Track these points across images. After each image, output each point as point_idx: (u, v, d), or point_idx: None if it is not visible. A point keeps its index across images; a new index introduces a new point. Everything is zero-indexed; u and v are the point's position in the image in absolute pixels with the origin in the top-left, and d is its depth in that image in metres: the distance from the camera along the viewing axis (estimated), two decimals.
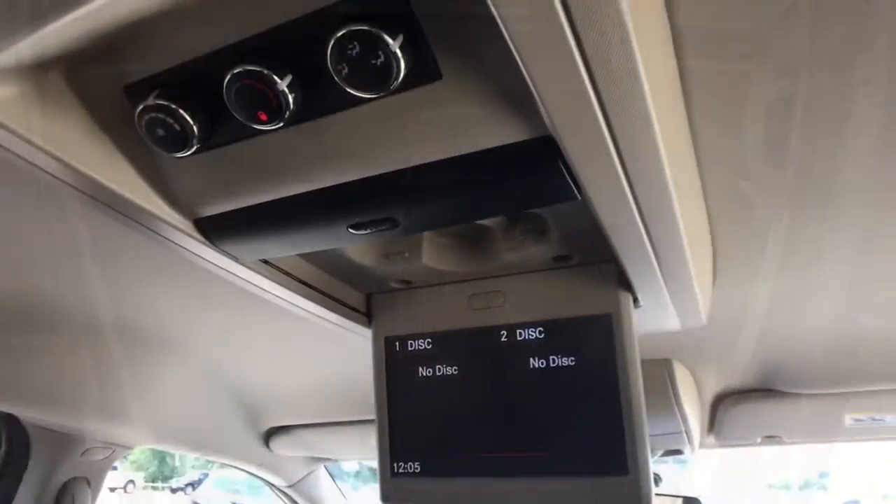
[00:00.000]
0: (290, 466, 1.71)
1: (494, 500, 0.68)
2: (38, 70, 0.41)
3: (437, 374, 0.72)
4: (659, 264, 0.57)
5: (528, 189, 0.45)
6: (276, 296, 0.68)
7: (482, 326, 0.71)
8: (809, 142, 0.51)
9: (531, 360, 0.68)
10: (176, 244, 0.56)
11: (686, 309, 0.71)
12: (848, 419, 1.21)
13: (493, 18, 0.30)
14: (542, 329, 0.68)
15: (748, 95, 0.46)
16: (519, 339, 0.69)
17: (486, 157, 0.42)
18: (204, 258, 0.59)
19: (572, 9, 0.29)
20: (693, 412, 1.20)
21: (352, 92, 0.36)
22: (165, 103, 0.40)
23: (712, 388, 1.22)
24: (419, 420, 0.72)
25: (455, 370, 0.71)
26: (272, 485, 1.78)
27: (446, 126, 0.40)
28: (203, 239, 0.55)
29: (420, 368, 0.73)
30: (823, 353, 1.05)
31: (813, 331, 0.96)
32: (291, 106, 0.38)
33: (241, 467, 1.62)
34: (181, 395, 1.23)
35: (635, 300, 0.67)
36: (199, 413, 1.32)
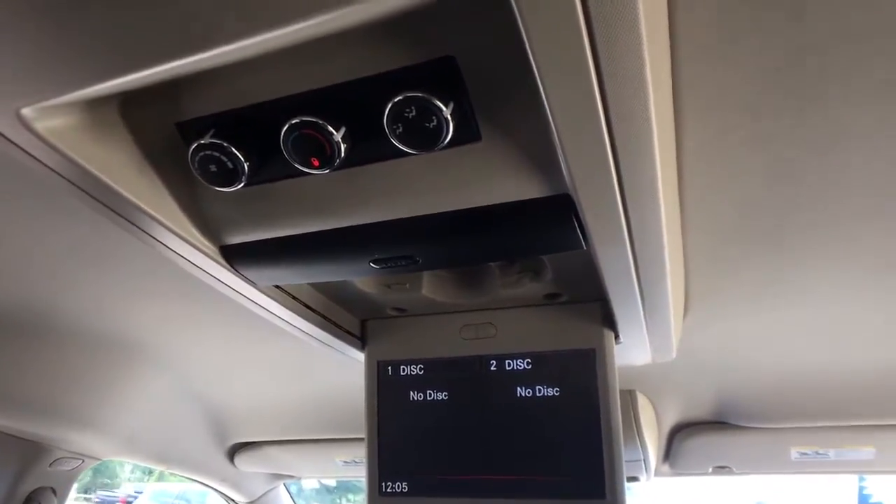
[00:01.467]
0: (251, 483, 1.71)
1: None
2: (97, 103, 0.44)
3: (428, 398, 0.76)
4: (643, 305, 0.63)
5: (541, 239, 0.50)
6: (277, 316, 0.71)
7: (473, 355, 0.75)
8: (780, 196, 0.57)
9: (518, 388, 0.73)
10: (196, 266, 0.59)
11: (660, 345, 0.77)
12: (794, 453, 1.29)
13: (533, 89, 0.35)
14: (529, 360, 0.73)
15: (732, 152, 0.52)
16: (507, 368, 0.74)
17: (509, 209, 0.47)
18: (221, 280, 0.62)
19: (608, 94, 0.35)
20: (651, 441, 1.27)
21: (401, 148, 0.41)
22: (221, 143, 0.44)
23: (671, 419, 1.29)
24: (408, 442, 0.76)
25: (445, 395, 0.76)
26: (231, 500, 1.77)
27: (477, 180, 0.45)
28: (226, 264, 0.58)
29: (411, 392, 0.77)
30: (774, 390, 1.12)
31: (767, 368, 1.03)
32: (342, 155, 0.42)
33: (203, 482, 1.61)
34: (153, 408, 1.23)
35: (616, 336, 0.72)
36: (169, 426, 1.32)
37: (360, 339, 0.81)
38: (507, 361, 0.74)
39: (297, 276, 0.60)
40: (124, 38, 0.35)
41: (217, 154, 0.44)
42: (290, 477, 1.78)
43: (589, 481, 0.69)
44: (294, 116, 0.41)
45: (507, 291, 0.71)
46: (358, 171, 0.47)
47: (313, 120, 0.41)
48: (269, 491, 1.78)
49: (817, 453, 1.28)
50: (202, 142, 0.44)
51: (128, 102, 0.46)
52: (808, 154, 0.51)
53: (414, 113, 0.39)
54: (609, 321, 0.71)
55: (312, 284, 0.73)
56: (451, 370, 0.76)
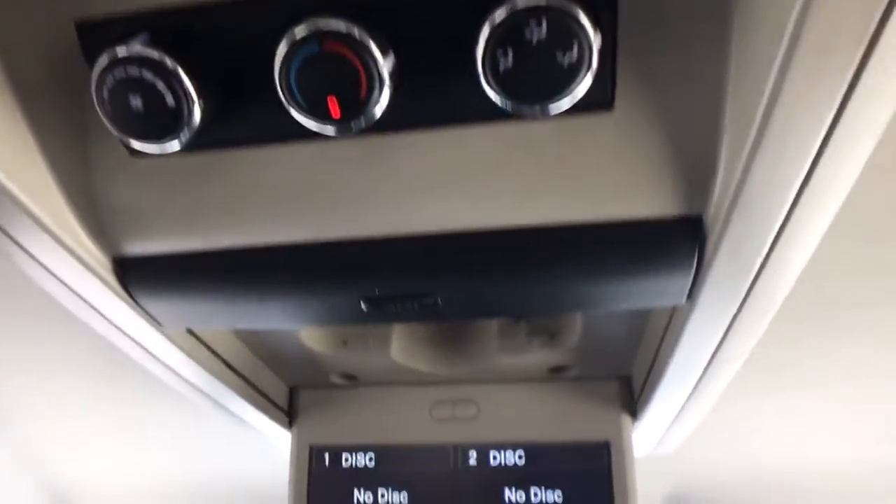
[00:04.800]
0: None
1: None
2: None
3: (380, 500, 0.56)
4: (694, 389, 0.48)
5: (636, 282, 0.33)
6: (175, 372, 0.49)
7: (446, 443, 0.56)
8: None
9: (507, 491, 0.54)
10: (64, 284, 0.37)
11: (672, 437, 0.62)
12: None
13: (717, 41, 0.22)
14: (522, 453, 0.55)
15: None
16: (493, 463, 0.55)
17: (607, 231, 0.30)
18: (102, 314, 0.40)
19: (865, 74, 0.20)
20: None
21: (495, 100, 0.24)
22: (161, 58, 0.24)
23: None
24: None
25: (404, 497, 0.55)
26: None
27: (575, 178, 0.29)
28: (119, 288, 0.37)
29: (356, 491, 0.56)
30: (725, 492, 1.02)
31: (734, 463, 0.93)
32: (386, 100, 0.24)
33: None
34: None
35: (635, 428, 0.56)
36: None
37: (286, 413, 0.60)
38: (492, 454, 0.56)
39: (236, 317, 0.39)
40: None
41: (149, 78, 0.25)
42: None
43: None
44: (306, 21, 0.23)
45: (507, 360, 0.53)
46: (386, 142, 0.29)
47: (345, 31, 0.23)
48: None
49: None
50: (124, 54, 0.24)
51: None
52: None
53: (543, 34, 0.22)
54: (629, 405, 0.55)
55: (238, 335, 0.52)
56: (415, 462, 0.56)
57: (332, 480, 0.57)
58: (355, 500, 0.56)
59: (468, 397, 0.57)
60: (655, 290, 0.34)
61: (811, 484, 0.94)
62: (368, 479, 0.56)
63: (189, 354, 0.45)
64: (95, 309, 0.39)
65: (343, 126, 0.25)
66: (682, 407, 0.52)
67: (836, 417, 0.74)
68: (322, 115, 0.25)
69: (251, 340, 0.53)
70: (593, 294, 0.35)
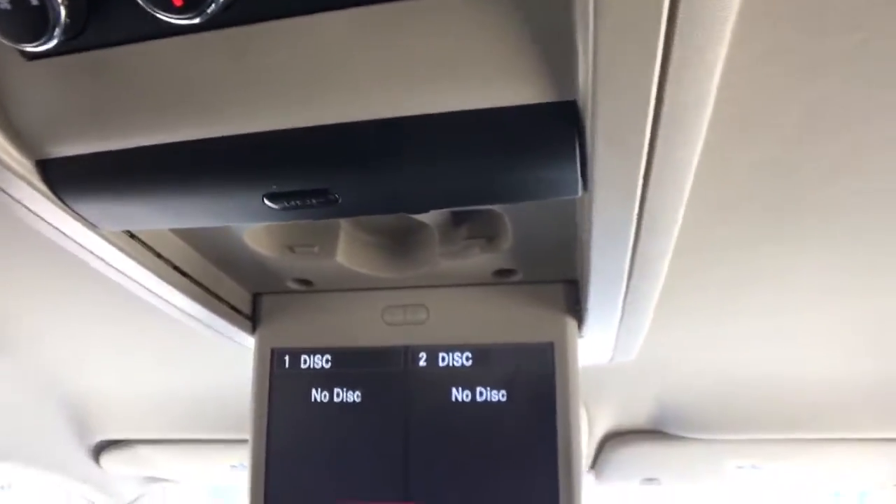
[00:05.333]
0: (121, 485, 1.46)
1: None
2: None
3: (335, 399, 0.58)
4: (627, 291, 0.48)
5: (526, 168, 0.33)
6: (137, 282, 0.52)
7: (397, 346, 0.58)
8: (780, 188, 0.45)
9: (454, 390, 0.56)
10: (7, 194, 0.39)
11: (627, 343, 0.63)
12: (730, 465, 1.20)
13: None
14: (470, 355, 0.57)
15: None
16: (441, 364, 0.57)
17: (485, 118, 0.30)
18: (45, 219, 0.42)
19: None
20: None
21: None
22: None
23: (603, 426, 1.17)
24: (306, 456, 0.58)
25: (358, 396, 0.58)
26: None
27: (447, 65, 0.28)
28: (47, 190, 0.39)
29: (313, 391, 0.59)
30: (720, 399, 1.03)
31: (715, 376, 0.93)
32: None
33: (61, 482, 1.36)
34: None
35: (579, 328, 0.57)
36: (8, 416, 1.07)
37: (250, 319, 0.62)
38: (440, 355, 0.57)
39: (153, 217, 0.41)
40: None
41: None
42: (167, 480, 1.55)
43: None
44: None
45: (449, 263, 0.54)
46: (249, 33, 0.29)
47: None
48: (141, 496, 1.54)
49: (754, 467, 1.20)
50: None
51: None
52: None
53: None
54: (574, 309, 0.56)
55: (188, 241, 0.54)
56: (368, 364, 0.59)
57: (292, 381, 0.60)
58: (313, 399, 0.59)
59: (418, 302, 0.59)
60: (547, 182, 0.34)
61: (793, 399, 0.95)
62: (325, 380, 0.59)
63: (138, 261, 0.47)
64: (32, 212, 0.41)
65: (189, 14, 0.25)
66: (623, 309, 0.52)
67: (816, 334, 0.74)
68: (166, 5, 0.25)
69: (206, 250, 0.55)
70: (484, 185, 0.35)
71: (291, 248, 0.54)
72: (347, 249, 0.53)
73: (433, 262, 0.54)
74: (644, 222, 0.38)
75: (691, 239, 0.50)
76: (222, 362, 0.69)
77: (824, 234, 0.50)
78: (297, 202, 0.36)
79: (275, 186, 0.35)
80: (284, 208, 0.37)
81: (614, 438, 1.20)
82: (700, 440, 1.14)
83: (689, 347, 0.82)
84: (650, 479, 1.30)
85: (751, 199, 0.46)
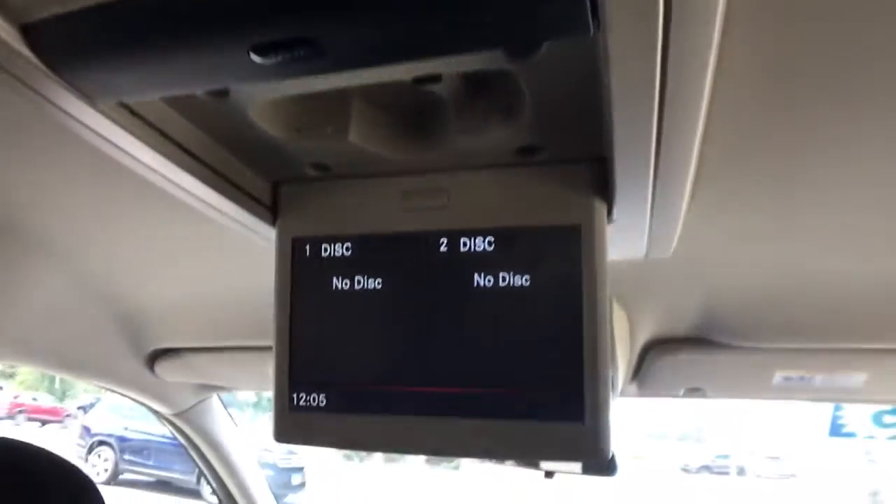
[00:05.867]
0: (177, 394, 1.54)
1: (416, 443, 0.55)
2: None
3: (357, 287, 0.57)
4: (656, 168, 0.45)
5: (517, 7, 0.30)
6: (153, 169, 0.51)
7: (418, 231, 0.56)
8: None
9: (476, 276, 0.55)
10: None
11: (662, 233, 0.59)
12: (777, 377, 1.16)
13: None
14: (492, 239, 0.55)
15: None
16: (463, 249, 0.55)
17: None
18: (38, 91, 0.41)
19: None
20: (623, 357, 1.12)
21: None
22: None
23: (645, 333, 1.14)
24: (329, 342, 0.58)
25: (379, 283, 0.57)
26: (157, 413, 1.60)
27: None
28: (36, 60, 0.37)
29: (335, 279, 0.58)
30: (767, 304, 0.98)
31: (762, 278, 0.88)
32: None
33: (120, 391, 1.43)
34: (36, 303, 1.02)
35: (609, 212, 0.54)
36: (63, 326, 1.12)
37: (270, 209, 0.61)
38: (462, 240, 0.55)
39: (142, 82, 0.39)
40: None
41: None
42: (221, 388, 1.61)
43: (563, 399, 0.52)
44: None
45: (468, 141, 0.51)
46: None
47: None
48: (198, 402, 1.61)
49: (802, 378, 1.16)
50: None
51: None
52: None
53: None
54: (602, 190, 0.53)
55: (202, 128, 0.53)
56: (389, 250, 0.57)
57: (313, 270, 0.59)
58: (334, 288, 0.58)
59: (438, 185, 0.56)
60: (552, 15, 0.30)
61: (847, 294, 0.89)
62: (346, 268, 0.58)
63: (139, 138, 0.46)
64: (24, 83, 0.40)
65: None
66: (654, 189, 0.49)
67: (882, 232, 0.67)
68: None
69: (215, 133, 0.54)
70: (482, 22, 0.32)
71: (299, 130, 0.52)
72: (360, 129, 0.51)
73: (451, 139, 0.51)
74: (669, 72, 0.34)
75: (730, 101, 0.45)
76: (268, 268, 0.69)
77: None
78: (284, 54, 0.34)
79: (257, 37, 0.33)
80: (272, 64, 0.35)
81: (657, 347, 1.17)
82: (747, 348, 1.10)
83: (735, 245, 0.78)
84: (694, 390, 1.28)
85: (808, 43, 0.40)
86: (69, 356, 1.21)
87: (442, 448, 0.55)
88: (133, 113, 0.46)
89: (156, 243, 0.88)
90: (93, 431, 9.96)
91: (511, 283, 0.54)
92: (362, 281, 0.57)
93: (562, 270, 0.53)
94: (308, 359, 0.58)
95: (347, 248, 0.58)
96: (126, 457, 9.55)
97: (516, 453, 0.52)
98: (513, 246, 0.54)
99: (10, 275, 0.93)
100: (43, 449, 0.75)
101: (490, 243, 0.54)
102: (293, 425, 0.58)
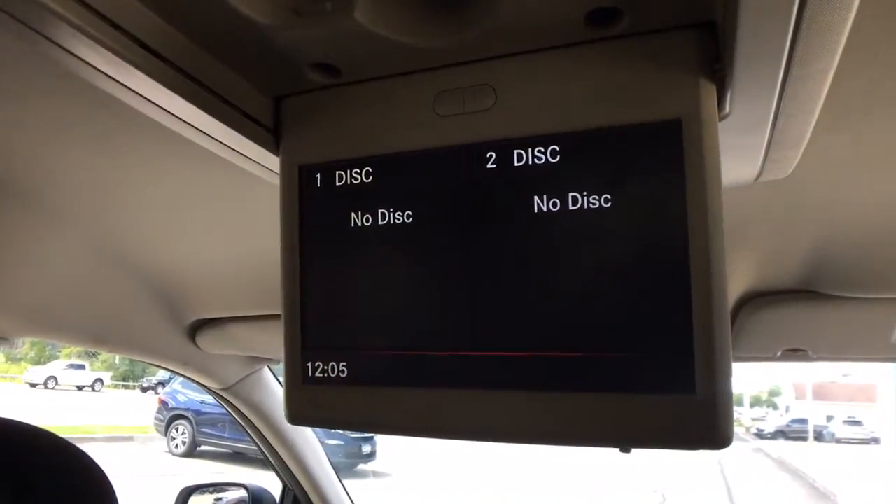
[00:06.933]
0: (224, 367, 1.46)
1: (469, 426, 0.42)
2: None
3: (380, 222, 0.44)
4: (794, 39, 0.29)
5: None
6: (144, 96, 0.40)
7: (456, 144, 0.42)
8: None
9: (536, 199, 0.40)
10: None
11: (786, 140, 0.43)
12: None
13: None
14: (557, 148, 0.40)
15: None
16: (517, 164, 0.41)
17: None
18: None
19: None
20: None
21: None
22: None
23: (740, 285, 0.97)
24: (349, 295, 0.45)
25: (408, 217, 0.43)
26: (206, 387, 1.53)
27: None
28: None
29: (353, 214, 0.45)
30: (886, 249, 0.80)
31: (886, 218, 0.71)
32: None
33: (163, 366, 1.37)
34: (62, 273, 0.95)
35: (720, 103, 0.38)
36: (92, 298, 1.04)
37: (273, 131, 0.48)
38: (516, 152, 0.41)
39: None
40: None
41: None
42: (270, 360, 1.53)
43: (664, 363, 0.37)
44: None
45: (518, 11, 0.36)
46: None
47: None
48: (248, 376, 1.54)
49: None
50: None
51: None
52: None
53: None
54: (712, 68, 0.37)
55: (184, 32, 0.40)
56: (420, 172, 0.43)
57: (326, 204, 0.46)
58: (353, 225, 0.45)
59: (481, 81, 0.42)
60: None
61: None
62: (366, 199, 0.45)
63: (134, 63, 0.37)
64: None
65: None
66: (788, 68, 0.33)
67: None
68: None
69: (208, 38, 0.41)
70: None
71: (296, 12, 0.38)
72: (370, 2, 0.37)
73: (495, 10, 0.36)
74: None
75: None
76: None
77: None
78: None
79: None
80: None
81: (754, 300, 1.00)
82: (861, 300, 0.92)
83: (861, 173, 0.63)
84: (795, 350, 1.10)
85: None
86: (105, 330, 1.14)
87: (503, 431, 0.42)
88: (115, 26, 0.35)
89: (169, 195, 0.78)
90: (170, 406, 10.36)
91: (585, 205, 0.39)
92: (387, 215, 0.44)
93: (657, 185, 0.38)
94: (323, 318, 0.46)
95: (367, 174, 0.45)
96: (203, 430, 9.90)
97: (600, 437, 0.38)
98: (587, 156, 0.39)
99: (20, 243, 0.85)
100: (41, 429, 0.67)
101: (554, 153, 0.40)
102: (308, 402, 0.46)
